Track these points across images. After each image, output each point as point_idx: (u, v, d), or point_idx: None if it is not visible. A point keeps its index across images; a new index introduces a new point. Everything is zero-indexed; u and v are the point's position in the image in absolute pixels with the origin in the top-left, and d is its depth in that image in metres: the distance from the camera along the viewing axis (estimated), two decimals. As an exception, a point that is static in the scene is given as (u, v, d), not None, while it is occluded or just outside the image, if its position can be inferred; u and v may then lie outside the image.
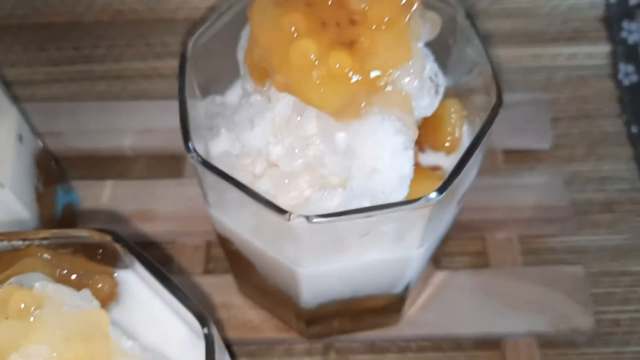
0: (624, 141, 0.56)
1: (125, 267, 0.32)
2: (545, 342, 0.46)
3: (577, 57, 0.60)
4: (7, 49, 0.59)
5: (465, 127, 0.38)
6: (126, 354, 0.25)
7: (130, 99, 0.58)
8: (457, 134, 0.37)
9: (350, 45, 0.29)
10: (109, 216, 0.52)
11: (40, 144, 0.47)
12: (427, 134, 0.37)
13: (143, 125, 0.55)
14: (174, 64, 0.58)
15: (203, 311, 0.28)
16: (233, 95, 0.39)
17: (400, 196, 0.31)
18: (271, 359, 0.46)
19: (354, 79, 0.28)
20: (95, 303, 0.27)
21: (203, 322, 0.27)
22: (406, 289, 0.40)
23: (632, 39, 0.60)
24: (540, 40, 0.60)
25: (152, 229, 0.51)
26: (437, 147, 0.38)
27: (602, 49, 0.60)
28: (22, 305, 0.23)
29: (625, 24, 0.60)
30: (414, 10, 0.30)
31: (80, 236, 0.30)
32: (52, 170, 0.48)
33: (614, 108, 0.58)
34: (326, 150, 0.31)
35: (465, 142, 0.38)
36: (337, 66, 0.28)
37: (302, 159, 0.33)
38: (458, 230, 0.50)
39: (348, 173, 0.31)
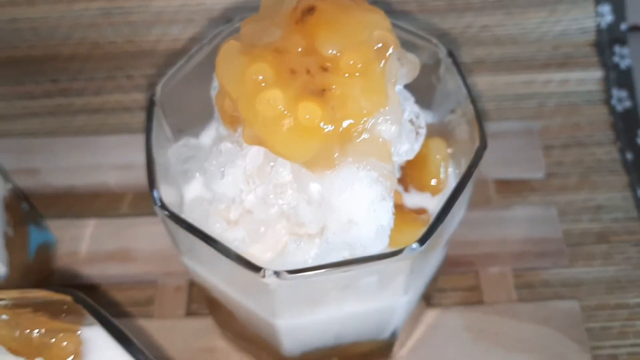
0: (618, 169, 0.55)
1: (90, 324, 0.31)
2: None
3: (569, 83, 0.58)
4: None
5: (450, 167, 0.37)
6: None
7: (111, 132, 0.57)
8: (442, 175, 0.36)
9: (321, 93, 0.27)
10: (87, 257, 0.50)
11: (10, 185, 0.45)
12: (412, 174, 0.36)
13: (124, 160, 0.54)
14: (156, 95, 0.58)
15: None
16: (208, 136, 0.38)
17: (380, 247, 0.30)
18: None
19: (326, 129, 0.27)
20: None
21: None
22: (393, 334, 0.38)
23: (624, 63, 0.58)
24: (531, 66, 0.59)
25: (132, 269, 0.49)
26: (422, 188, 0.36)
27: (593, 75, 0.58)
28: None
29: (617, 49, 0.58)
30: (390, 54, 0.28)
31: (39, 298, 0.28)
32: (23, 211, 0.47)
33: (608, 135, 0.56)
34: (300, 199, 0.30)
35: (452, 182, 0.36)
36: (306, 117, 0.26)
37: (276, 207, 0.31)
38: (450, 266, 0.49)
39: (324, 223, 0.29)
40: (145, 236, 0.50)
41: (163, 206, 0.30)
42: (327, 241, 0.29)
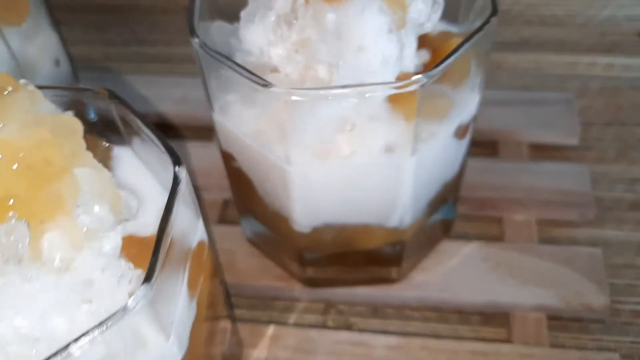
0: (660, 149, 0.55)
1: (123, 143, 0.34)
2: (557, 325, 0.44)
3: (614, 68, 0.60)
4: (70, 29, 0.65)
5: (472, 67, 0.39)
6: (96, 165, 0.27)
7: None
8: (462, 69, 0.38)
9: None
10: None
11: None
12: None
13: (181, 95, 0.59)
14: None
15: (179, 155, 0.29)
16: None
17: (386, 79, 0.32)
18: (271, 313, 0.46)
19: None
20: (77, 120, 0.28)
21: (176, 162, 0.29)
22: (401, 222, 0.39)
23: (671, 53, 0.59)
24: (576, 49, 0.61)
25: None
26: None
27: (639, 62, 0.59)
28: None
29: (665, 38, 0.60)
30: None
31: (78, 88, 0.32)
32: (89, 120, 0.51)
33: (651, 118, 0.57)
34: (319, 40, 0.33)
35: (472, 78, 0.38)
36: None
37: (299, 63, 0.34)
38: (474, 209, 0.50)
39: (338, 57, 0.32)
40: (190, 156, 0.54)
41: (199, 38, 0.34)
42: (337, 69, 0.32)
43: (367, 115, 0.33)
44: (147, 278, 0.25)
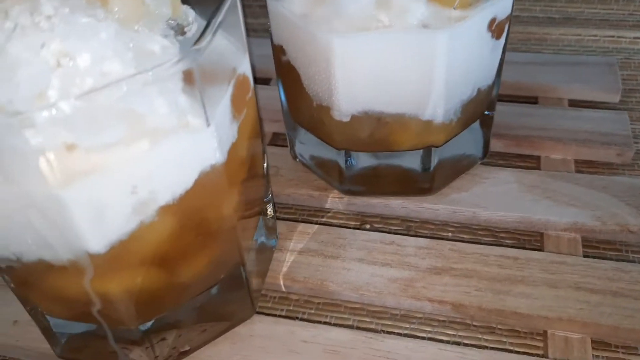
0: None
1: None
2: (593, 254, 0.44)
3: (659, 43, 0.61)
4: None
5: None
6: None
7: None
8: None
9: None
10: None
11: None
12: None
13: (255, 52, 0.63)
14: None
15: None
16: None
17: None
18: (309, 217, 0.48)
19: None
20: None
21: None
22: (434, 116, 0.41)
23: None
24: (620, 25, 0.63)
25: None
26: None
27: (686, 37, 0.61)
28: None
29: None
30: None
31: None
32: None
33: (699, 87, 0.58)
34: None
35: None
36: None
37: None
38: (511, 145, 0.51)
39: None
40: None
41: None
42: None
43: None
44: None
